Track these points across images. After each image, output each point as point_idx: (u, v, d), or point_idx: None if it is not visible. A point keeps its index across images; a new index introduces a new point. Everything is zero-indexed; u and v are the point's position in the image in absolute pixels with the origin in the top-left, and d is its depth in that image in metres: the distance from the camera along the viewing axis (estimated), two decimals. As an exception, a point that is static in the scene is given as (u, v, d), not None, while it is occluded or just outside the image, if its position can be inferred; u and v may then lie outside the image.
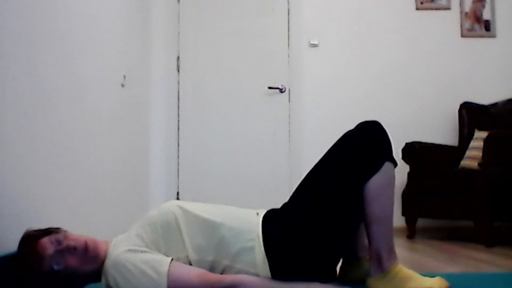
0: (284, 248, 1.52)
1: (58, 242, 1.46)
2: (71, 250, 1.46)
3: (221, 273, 1.52)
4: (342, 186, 1.54)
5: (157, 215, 1.56)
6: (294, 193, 1.63)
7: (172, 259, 1.47)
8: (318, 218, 1.53)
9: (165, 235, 1.53)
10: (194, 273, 1.45)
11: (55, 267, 1.43)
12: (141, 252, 1.47)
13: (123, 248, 1.48)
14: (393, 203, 1.57)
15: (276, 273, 1.51)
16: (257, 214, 1.61)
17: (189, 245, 1.52)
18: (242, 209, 1.65)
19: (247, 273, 1.50)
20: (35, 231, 1.51)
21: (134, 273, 1.42)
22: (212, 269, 1.52)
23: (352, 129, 1.62)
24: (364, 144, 1.55)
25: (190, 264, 1.52)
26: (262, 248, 1.51)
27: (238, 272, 1.50)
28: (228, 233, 1.52)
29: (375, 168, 1.53)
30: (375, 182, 1.53)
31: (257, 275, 1.50)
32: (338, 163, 1.56)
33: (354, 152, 1.55)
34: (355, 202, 1.55)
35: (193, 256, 1.52)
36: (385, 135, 1.58)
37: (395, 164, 1.59)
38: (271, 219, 1.58)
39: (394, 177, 1.57)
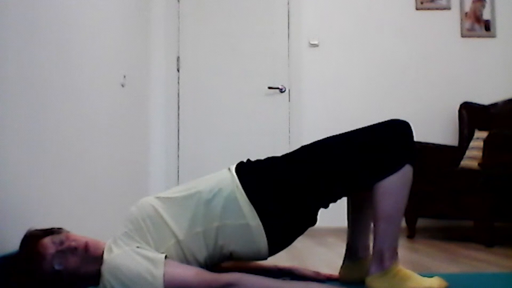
0: (266, 190, 1.53)
1: (60, 242, 1.46)
2: (72, 250, 1.45)
3: (216, 237, 1.52)
4: (355, 173, 1.54)
5: (136, 211, 1.57)
6: (294, 151, 1.63)
7: (166, 257, 1.46)
8: (312, 182, 1.53)
9: (150, 228, 1.53)
10: (190, 272, 1.45)
11: (56, 267, 1.43)
12: (135, 252, 1.46)
13: (116, 251, 1.48)
14: (405, 205, 1.57)
15: (266, 218, 1.52)
16: (229, 169, 1.63)
17: (176, 229, 1.52)
18: (213, 173, 1.67)
19: (238, 226, 1.51)
20: (37, 230, 1.51)
21: (129, 276, 1.41)
22: (206, 238, 1.52)
23: (381, 122, 1.61)
24: (390, 142, 1.55)
25: (183, 249, 1.52)
26: (244, 195, 1.52)
27: (230, 228, 1.51)
28: (207, 195, 1.54)
29: (395, 168, 1.53)
30: (391, 182, 1.53)
31: (248, 225, 1.51)
32: (358, 152, 1.55)
33: (378, 147, 1.54)
34: (354, 189, 1.58)
35: (183, 237, 1.52)
36: (412, 137, 1.59)
37: (415, 167, 1.59)
38: (245, 168, 1.60)
39: (411, 180, 1.58)
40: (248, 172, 1.58)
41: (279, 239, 1.57)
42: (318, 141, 1.63)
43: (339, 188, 1.57)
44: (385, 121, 1.61)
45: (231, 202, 1.53)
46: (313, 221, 1.60)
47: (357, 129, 1.62)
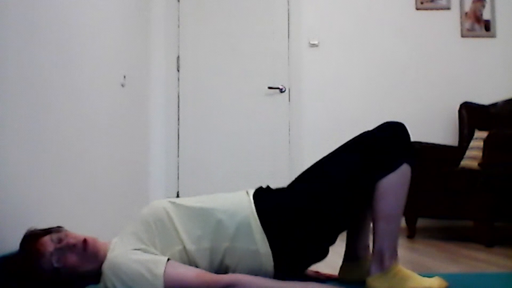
0: (280, 220, 1.54)
1: (58, 240, 1.46)
2: (71, 247, 1.46)
3: (223, 257, 1.53)
4: (356, 178, 1.55)
5: (148, 213, 1.57)
6: (301, 174, 1.65)
7: (168, 259, 1.46)
8: (322, 201, 1.54)
9: (159, 231, 1.53)
10: (191, 273, 1.45)
11: (55, 265, 1.43)
12: (138, 252, 1.47)
13: (119, 250, 1.49)
14: (404, 204, 1.58)
15: (276, 247, 1.52)
16: (247, 193, 1.63)
17: (185, 237, 1.52)
18: (231, 193, 1.67)
19: (248, 251, 1.52)
20: (36, 230, 1.52)
21: (130, 275, 1.41)
22: (212, 255, 1.52)
23: (376, 128, 1.63)
24: (387, 142, 1.57)
25: (189, 256, 1.52)
26: (258, 222, 1.53)
27: (239, 252, 1.52)
28: (222, 215, 1.54)
29: (393, 167, 1.54)
30: (389, 181, 1.54)
31: (258, 251, 1.52)
32: (358, 156, 1.57)
33: (376, 149, 1.56)
34: (362, 196, 1.57)
35: (191, 247, 1.52)
36: (408, 137, 1.60)
37: (413, 167, 1.59)
38: (262, 194, 1.61)
39: (409, 179, 1.59)
40: (265, 199, 1.59)
41: (287, 267, 1.58)
42: (320, 161, 1.64)
43: (347, 199, 1.57)
44: (380, 124, 1.63)
45: (244, 227, 1.53)
46: (322, 255, 1.62)
47: (353, 138, 1.64)
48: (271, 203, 1.58)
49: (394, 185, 1.55)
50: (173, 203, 1.59)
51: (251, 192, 1.63)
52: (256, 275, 1.53)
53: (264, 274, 1.54)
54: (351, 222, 1.79)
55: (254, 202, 1.57)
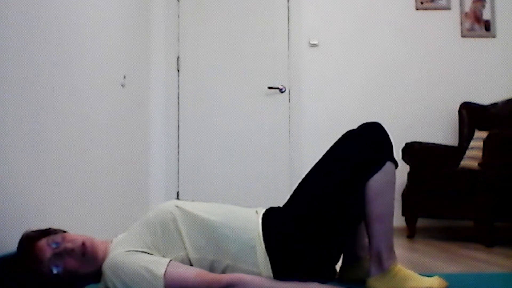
0: (284, 246, 1.52)
1: (56, 244, 1.45)
2: (69, 252, 1.45)
3: (223, 272, 1.51)
4: (343, 185, 1.54)
5: (155, 216, 1.55)
6: (294, 192, 1.64)
7: (170, 260, 1.46)
8: (319, 217, 1.53)
9: (164, 235, 1.52)
10: (192, 272, 1.44)
11: (54, 270, 1.42)
12: (140, 253, 1.47)
13: (121, 249, 1.48)
14: (393, 202, 1.58)
15: (278, 272, 1.51)
16: (256, 212, 1.61)
17: (189, 244, 1.52)
18: (241, 208, 1.65)
19: (250, 272, 1.50)
20: (33, 232, 1.50)
21: (130, 275, 1.41)
22: (212, 268, 1.51)
23: (353, 129, 1.63)
24: (366, 144, 1.56)
25: (191, 263, 1.51)
26: (263, 246, 1.50)
27: (240, 272, 1.50)
28: (228, 232, 1.52)
29: (376, 167, 1.54)
30: (376, 181, 1.53)
31: (260, 274, 1.50)
32: (340, 162, 1.57)
33: (356, 151, 1.56)
34: (355, 201, 1.56)
35: (193, 255, 1.51)
36: (386, 136, 1.60)
37: (396, 165, 1.59)
38: (270, 217, 1.58)
39: (394, 177, 1.59)
40: (273, 223, 1.55)
41: None
42: (307, 175, 1.62)
43: (341, 211, 1.55)
44: (358, 126, 1.62)
45: (248, 248, 1.51)
46: (331, 275, 1.61)
47: (333, 146, 1.63)
48: (277, 227, 1.54)
49: (381, 185, 1.54)
50: (181, 208, 1.57)
51: (261, 212, 1.60)
52: None
53: None
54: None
55: (262, 224, 1.54)
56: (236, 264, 1.51)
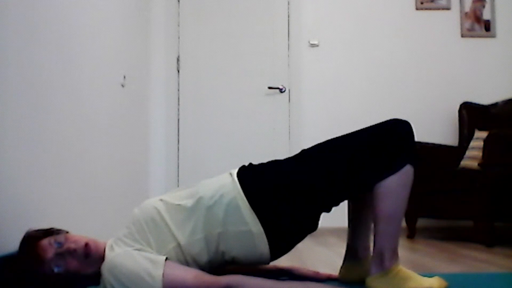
0: (268, 197, 1.53)
1: (59, 244, 1.45)
2: (71, 252, 1.45)
3: (217, 243, 1.52)
4: (356, 173, 1.53)
5: (140, 213, 1.57)
6: (295, 155, 1.62)
7: (166, 258, 1.46)
8: (313, 185, 1.53)
9: (152, 230, 1.53)
10: (190, 274, 1.44)
11: (56, 270, 1.42)
12: (135, 251, 1.47)
13: (117, 250, 1.48)
14: (405, 205, 1.57)
15: (267, 225, 1.51)
16: (231, 174, 1.61)
17: (178, 233, 1.52)
18: (215, 177, 1.65)
19: (240, 232, 1.51)
20: (35, 231, 1.50)
21: (128, 276, 1.41)
22: (207, 243, 1.52)
23: (382, 122, 1.60)
24: (391, 141, 1.54)
25: (184, 252, 1.51)
26: (246, 202, 1.52)
27: (232, 235, 1.51)
28: (209, 201, 1.53)
29: (396, 168, 1.53)
30: (392, 181, 1.52)
31: (250, 231, 1.51)
32: (360, 151, 1.54)
33: (380, 147, 1.54)
34: (355, 190, 1.57)
35: (184, 242, 1.51)
36: (413, 137, 1.58)
37: (416, 167, 1.58)
38: (247, 173, 1.59)
39: (412, 180, 1.57)
40: (250, 177, 1.57)
41: (281, 244, 1.57)
42: (319, 144, 1.63)
43: (341, 190, 1.56)
44: (386, 121, 1.60)
45: (233, 209, 1.52)
46: (315, 226, 1.60)
47: (357, 130, 1.62)
48: (256, 180, 1.56)
49: (396, 186, 1.53)
50: (164, 201, 1.58)
51: (235, 172, 1.61)
52: (252, 258, 1.54)
53: (260, 256, 1.54)
54: (351, 221, 1.79)
55: (239, 181, 1.55)
56: (226, 229, 1.51)
